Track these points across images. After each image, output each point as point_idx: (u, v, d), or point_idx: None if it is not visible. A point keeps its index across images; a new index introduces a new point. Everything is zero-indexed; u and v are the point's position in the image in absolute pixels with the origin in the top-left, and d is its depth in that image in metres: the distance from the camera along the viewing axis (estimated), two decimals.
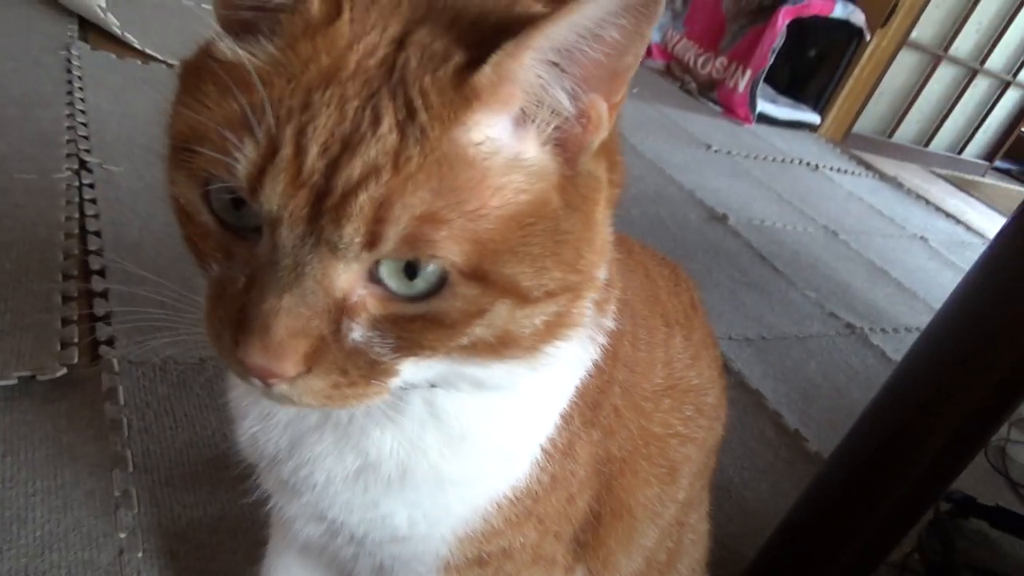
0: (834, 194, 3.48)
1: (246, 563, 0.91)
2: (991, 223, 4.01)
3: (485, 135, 0.41)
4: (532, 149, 0.44)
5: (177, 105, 0.45)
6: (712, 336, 0.83)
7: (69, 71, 1.92)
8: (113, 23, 2.16)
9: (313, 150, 0.39)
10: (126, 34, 2.16)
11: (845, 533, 1.02)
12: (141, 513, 0.95)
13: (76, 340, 1.14)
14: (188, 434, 1.08)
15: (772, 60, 3.85)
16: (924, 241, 3.28)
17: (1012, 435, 1.83)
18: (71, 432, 1.02)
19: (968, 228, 3.79)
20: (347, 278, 0.41)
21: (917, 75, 4.55)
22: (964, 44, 4.52)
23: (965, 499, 1.44)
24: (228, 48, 0.43)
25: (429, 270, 0.41)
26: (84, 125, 1.69)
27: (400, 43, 0.42)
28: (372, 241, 0.40)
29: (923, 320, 2.39)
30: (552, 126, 0.44)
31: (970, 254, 3.32)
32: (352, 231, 0.39)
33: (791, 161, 3.68)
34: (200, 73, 0.43)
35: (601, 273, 0.49)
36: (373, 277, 0.42)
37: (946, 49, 4.46)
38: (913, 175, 4.47)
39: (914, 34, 4.22)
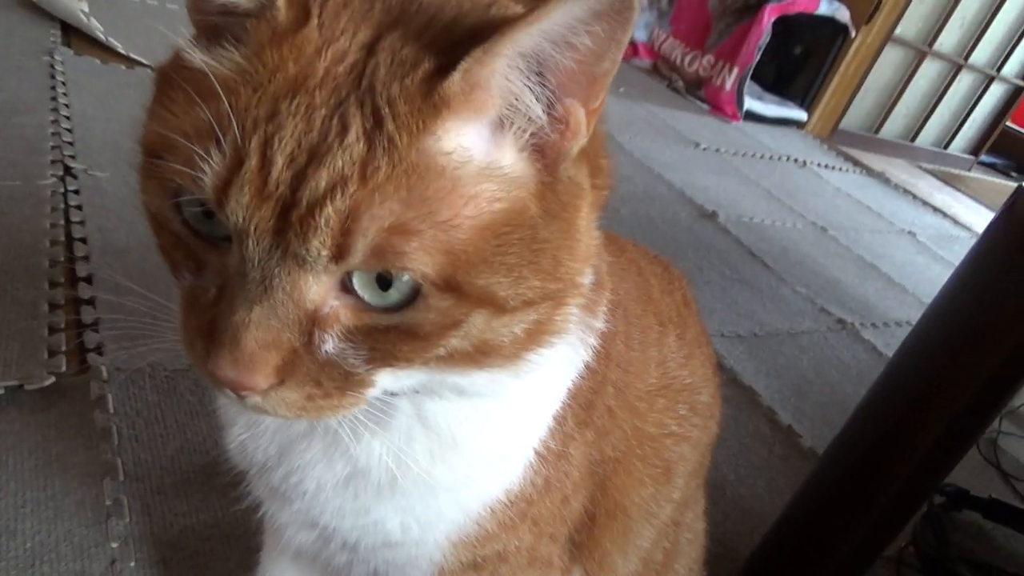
0: (822, 190, 3.49)
1: (239, 570, 0.90)
2: (978, 217, 4.03)
3: (456, 144, 0.41)
4: (509, 156, 0.43)
5: (149, 113, 0.44)
6: (705, 334, 0.83)
7: (53, 76, 1.90)
8: (96, 28, 2.14)
9: (279, 161, 0.38)
10: (110, 39, 2.14)
11: (841, 529, 1.02)
12: (133, 522, 0.94)
13: (64, 348, 1.13)
14: (179, 441, 1.07)
15: (758, 58, 3.87)
16: (912, 236, 3.30)
17: (1004, 427, 1.84)
18: (60, 441, 1.01)
19: (955, 222, 3.82)
20: (317, 290, 0.41)
21: (902, 71, 4.57)
22: (948, 39, 4.55)
23: (958, 492, 1.45)
24: (194, 56, 0.42)
25: (403, 280, 0.40)
26: (68, 131, 1.68)
27: (370, 49, 0.41)
28: (340, 254, 0.39)
29: (913, 314, 2.42)
30: (528, 132, 0.43)
31: (958, 248, 3.35)
32: (318, 244, 0.39)
33: (779, 158, 3.69)
34: (171, 81, 0.43)
35: (585, 279, 0.48)
36: (346, 287, 0.41)
37: (930, 45, 4.49)
38: (900, 170, 4.50)
39: (899, 30, 4.24)
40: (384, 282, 0.41)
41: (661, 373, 0.70)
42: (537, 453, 0.58)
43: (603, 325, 0.59)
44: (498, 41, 0.39)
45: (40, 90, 1.83)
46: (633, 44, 4.35)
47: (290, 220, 0.39)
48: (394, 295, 0.41)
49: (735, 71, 3.92)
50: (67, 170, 1.55)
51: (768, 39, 3.82)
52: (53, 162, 1.56)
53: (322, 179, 0.38)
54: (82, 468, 0.99)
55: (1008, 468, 1.74)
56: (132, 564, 0.90)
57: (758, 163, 3.48)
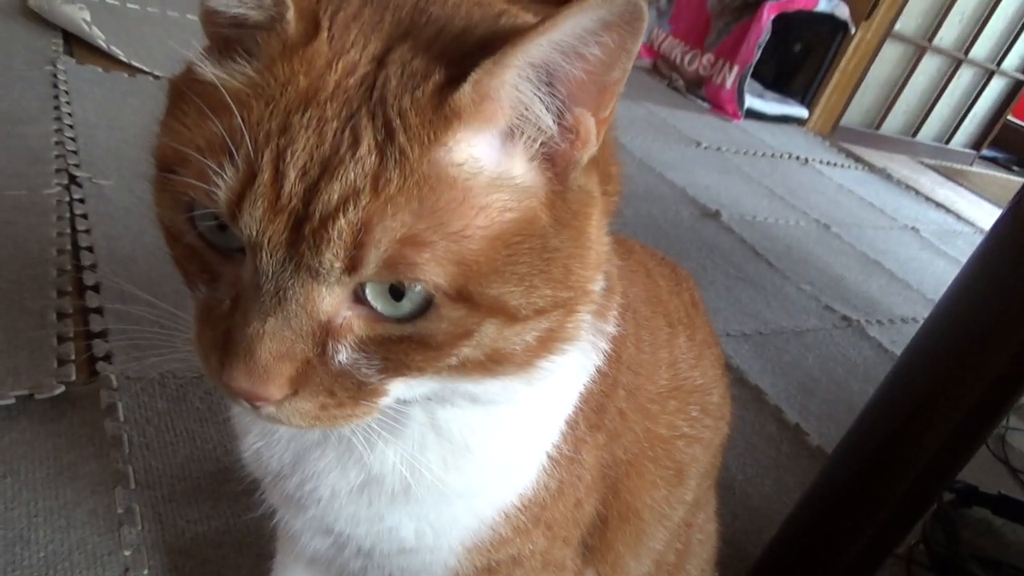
0: (824, 187, 3.49)
1: None
2: (981, 212, 4.03)
3: (467, 154, 0.41)
4: (519, 166, 0.43)
5: (162, 126, 0.44)
6: (714, 334, 0.83)
7: (55, 86, 1.90)
8: (98, 36, 2.14)
9: (291, 174, 0.39)
10: (112, 47, 2.14)
11: (850, 529, 1.02)
12: (145, 530, 0.95)
13: (73, 357, 1.13)
14: (189, 448, 1.07)
15: (758, 55, 3.87)
16: (915, 231, 3.30)
17: (1012, 423, 1.84)
18: (71, 450, 1.01)
19: (958, 217, 3.81)
20: (331, 301, 0.41)
21: (902, 66, 4.57)
22: (948, 34, 4.54)
23: (967, 488, 1.45)
24: (206, 69, 0.42)
25: (416, 291, 0.41)
26: (72, 140, 1.68)
27: (381, 61, 0.41)
28: (353, 266, 0.39)
29: (918, 310, 2.42)
30: (539, 142, 0.43)
31: (961, 243, 3.34)
32: (331, 257, 0.39)
33: (780, 156, 3.69)
34: (183, 94, 0.43)
35: (596, 286, 0.48)
36: (359, 298, 0.42)
37: (930, 40, 4.48)
38: (902, 166, 4.49)
39: (898, 26, 4.24)
40: (397, 293, 0.41)
41: (672, 375, 0.71)
42: (550, 458, 0.58)
43: (614, 329, 0.59)
44: (508, 52, 0.39)
45: (43, 99, 1.83)
46: None
47: (303, 233, 0.39)
48: (407, 305, 0.41)
49: (735, 69, 3.92)
50: (72, 179, 1.55)
51: (768, 37, 3.82)
52: (57, 171, 1.56)
53: (334, 192, 0.38)
54: (93, 477, 0.99)
55: (1017, 464, 1.74)
56: (145, 572, 0.90)
57: (760, 161, 3.48)
